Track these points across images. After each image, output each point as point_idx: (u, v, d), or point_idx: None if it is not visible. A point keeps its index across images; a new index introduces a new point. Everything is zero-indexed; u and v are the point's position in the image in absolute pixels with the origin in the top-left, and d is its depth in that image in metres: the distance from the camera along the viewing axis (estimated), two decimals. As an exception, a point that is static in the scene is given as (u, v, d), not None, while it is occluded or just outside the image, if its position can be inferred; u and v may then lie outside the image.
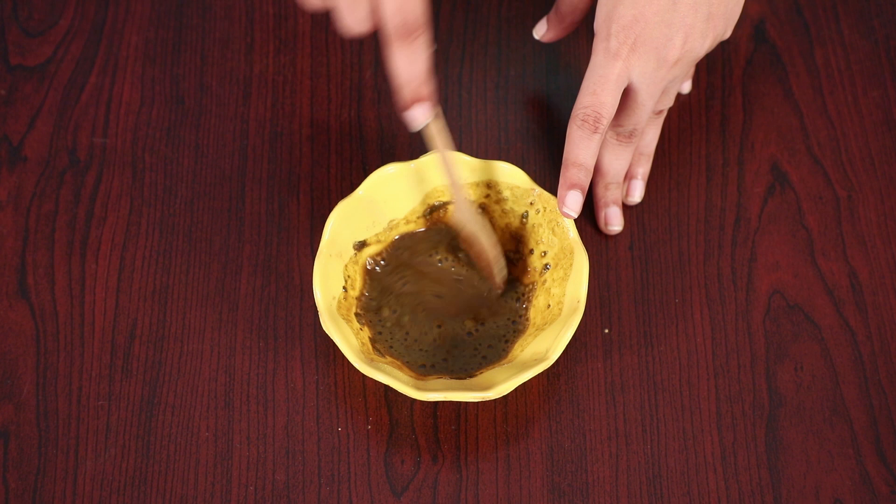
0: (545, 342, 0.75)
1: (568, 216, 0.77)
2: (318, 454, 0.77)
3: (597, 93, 0.77)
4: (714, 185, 0.84)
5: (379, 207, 0.79)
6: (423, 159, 0.79)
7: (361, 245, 0.79)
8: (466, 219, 0.79)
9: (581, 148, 0.78)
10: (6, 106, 0.87)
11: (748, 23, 0.90)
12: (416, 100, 0.72)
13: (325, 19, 0.89)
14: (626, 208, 0.84)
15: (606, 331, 0.80)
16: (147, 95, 0.87)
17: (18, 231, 0.83)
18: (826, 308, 0.81)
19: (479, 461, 0.77)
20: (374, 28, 0.70)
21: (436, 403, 0.78)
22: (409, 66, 0.70)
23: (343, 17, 0.70)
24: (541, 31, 0.86)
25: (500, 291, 0.80)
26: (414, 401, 0.78)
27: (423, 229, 0.81)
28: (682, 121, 0.87)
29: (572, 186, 0.77)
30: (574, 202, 0.77)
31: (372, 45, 0.89)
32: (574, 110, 0.78)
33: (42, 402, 0.78)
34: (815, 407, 0.78)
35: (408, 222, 0.81)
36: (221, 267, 0.82)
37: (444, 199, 0.80)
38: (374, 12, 0.69)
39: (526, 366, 0.74)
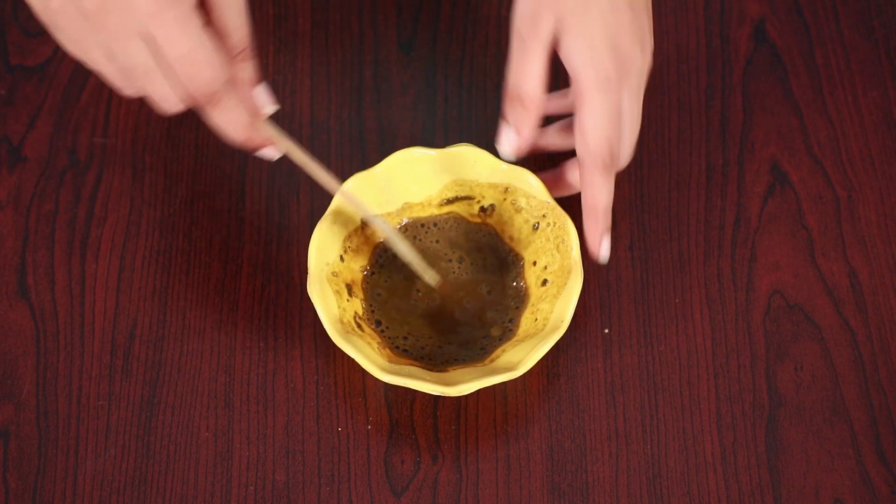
0: (521, 353, 0.75)
1: (602, 262, 0.78)
2: (318, 454, 0.77)
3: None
4: (714, 185, 0.84)
5: (394, 187, 0.79)
6: (451, 149, 0.79)
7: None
8: (383, 231, 0.79)
9: (605, 191, 0.76)
10: (6, 106, 0.87)
11: (748, 23, 0.89)
12: (256, 148, 0.72)
13: (324, 19, 0.89)
14: (626, 208, 0.84)
15: (606, 331, 0.80)
16: (147, 95, 0.87)
17: (18, 231, 0.83)
18: (826, 308, 0.81)
19: (479, 461, 0.77)
20: (191, 105, 0.69)
21: (436, 402, 0.78)
22: (229, 126, 0.70)
23: (156, 108, 0.70)
24: (506, 148, 0.78)
25: (437, 288, 0.79)
26: (414, 400, 0.78)
27: (437, 214, 0.81)
28: (682, 121, 0.87)
29: (605, 231, 0.77)
30: (608, 249, 0.77)
31: (371, 45, 0.89)
32: (590, 150, 0.74)
33: (42, 402, 0.78)
34: (815, 407, 0.78)
35: (422, 207, 0.81)
36: (221, 267, 0.82)
37: (464, 193, 0.80)
38: (177, 91, 0.68)
39: (495, 371, 0.74)
